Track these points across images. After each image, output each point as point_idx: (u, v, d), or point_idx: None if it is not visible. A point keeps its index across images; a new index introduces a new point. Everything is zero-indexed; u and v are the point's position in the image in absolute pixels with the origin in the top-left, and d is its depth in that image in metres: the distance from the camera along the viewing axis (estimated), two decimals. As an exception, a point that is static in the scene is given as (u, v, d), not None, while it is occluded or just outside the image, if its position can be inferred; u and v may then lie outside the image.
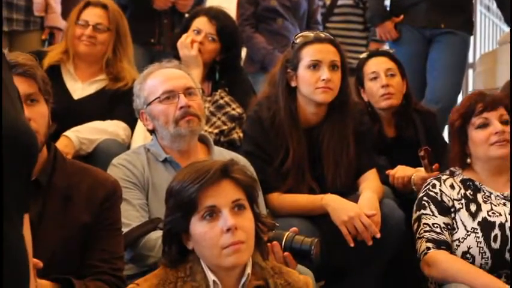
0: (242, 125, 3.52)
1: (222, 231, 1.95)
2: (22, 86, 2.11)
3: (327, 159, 3.19)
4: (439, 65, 4.76)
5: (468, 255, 2.83)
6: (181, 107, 2.76)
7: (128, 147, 3.43)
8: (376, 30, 4.99)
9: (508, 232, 2.84)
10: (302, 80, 3.18)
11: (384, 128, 3.66)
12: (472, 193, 2.96)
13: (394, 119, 3.69)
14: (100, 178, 2.35)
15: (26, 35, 4.44)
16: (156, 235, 2.55)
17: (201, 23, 3.83)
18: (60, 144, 3.26)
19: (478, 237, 2.84)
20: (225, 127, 3.67)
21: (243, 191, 2.01)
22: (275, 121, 3.19)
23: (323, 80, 3.13)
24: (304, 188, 3.15)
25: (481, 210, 2.91)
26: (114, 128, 3.51)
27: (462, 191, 2.97)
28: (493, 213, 2.90)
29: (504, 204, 2.92)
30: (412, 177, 3.33)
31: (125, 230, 2.49)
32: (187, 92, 2.80)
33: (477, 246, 2.83)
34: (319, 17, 5.25)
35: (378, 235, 2.95)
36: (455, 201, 2.94)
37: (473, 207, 2.92)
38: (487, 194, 2.96)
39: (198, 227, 1.98)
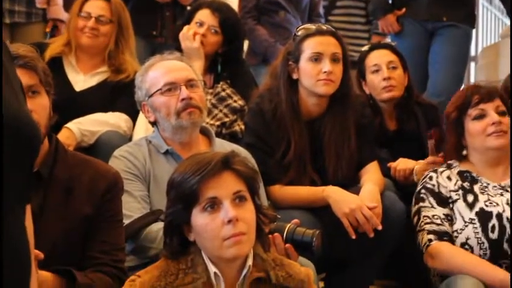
0: (244, 117, 3.52)
1: (223, 223, 1.95)
2: (23, 77, 2.09)
3: (329, 152, 3.19)
4: (441, 58, 4.75)
5: (467, 246, 2.84)
6: (182, 99, 2.76)
7: (130, 139, 3.43)
8: (378, 23, 4.98)
9: (505, 222, 2.84)
10: (304, 72, 3.18)
11: (385, 120, 3.66)
12: (469, 184, 2.96)
13: (396, 112, 3.68)
14: (101, 170, 2.35)
15: (27, 27, 4.43)
16: (158, 227, 2.55)
17: (204, 15, 3.83)
18: (62, 136, 3.26)
19: (476, 227, 2.85)
20: (226, 119, 3.66)
21: (244, 183, 2.01)
22: (277, 113, 3.19)
23: (324, 72, 3.12)
24: (305, 180, 3.15)
25: (478, 200, 2.91)
26: (115, 119, 3.52)
27: (459, 182, 2.97)
28: (490, 203, 2.90)
29: (501, 195, 2.93)
30: (414, 169, 3.33)
31: (126, 221, 2.49)
32: (189, 84, 2.80)
33: (475, 237, 2.84)
34: (321, 10, 5.24)
35: (380, 227, 2.95)
36: (452, 193, 2.94)
37: (470, 198, 2.92)
38: (484, 184, 2.96)
39: (199, 218, 1.98)
